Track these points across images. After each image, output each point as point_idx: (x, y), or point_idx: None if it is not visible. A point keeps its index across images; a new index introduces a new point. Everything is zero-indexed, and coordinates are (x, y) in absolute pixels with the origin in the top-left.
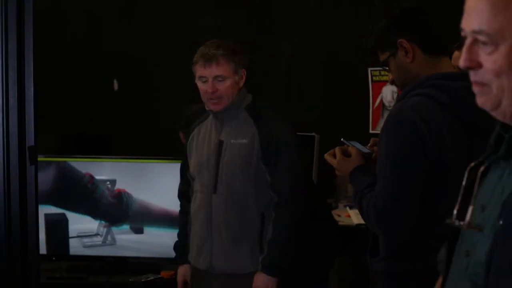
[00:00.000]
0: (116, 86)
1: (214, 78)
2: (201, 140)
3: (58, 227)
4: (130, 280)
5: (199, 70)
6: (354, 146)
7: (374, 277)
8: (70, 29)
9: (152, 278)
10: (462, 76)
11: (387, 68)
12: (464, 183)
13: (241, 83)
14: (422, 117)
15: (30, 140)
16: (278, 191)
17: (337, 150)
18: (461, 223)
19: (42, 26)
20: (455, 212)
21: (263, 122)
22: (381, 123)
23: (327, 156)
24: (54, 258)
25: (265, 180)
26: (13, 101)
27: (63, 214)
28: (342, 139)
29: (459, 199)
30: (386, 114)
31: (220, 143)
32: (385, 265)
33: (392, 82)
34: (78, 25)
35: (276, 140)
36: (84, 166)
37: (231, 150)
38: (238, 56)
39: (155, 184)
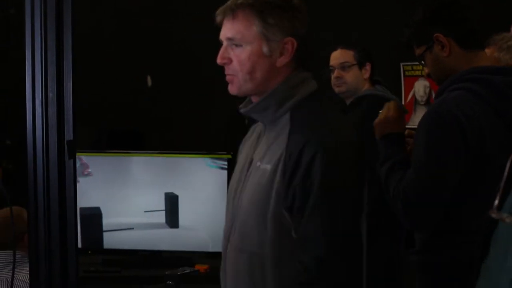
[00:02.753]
0: (149, 82)
1: (228, 40)
2: (244, 151)
3: (92, 221)
4: (166, 273)
5: None
6: None
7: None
8: (104, 25)
9: (188, 271)
10: (501, 70)
11: (423, 62)
12: (505, 174)
13: (283, 61)
14: (463, 111)
15: (68, 135)
16: (302, 259)
17: (392, 105)
18: (503, 215)
19: (78, 22)
20: (496, 203)
21: (296, 131)
22: (413, 118)
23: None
24: (90, 252)
25: (290, 235)
26: (52, 95)
27: (98, 208)
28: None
29: (500, 190)
30: (418, 109)
31: (250, 164)
32: (421, 257)
33: (428, 76)
34: (112, 21)
35: (305, 163)
36: (118, 160)
37: (252, 179)
38: (275, 11)
39: (188, 179)
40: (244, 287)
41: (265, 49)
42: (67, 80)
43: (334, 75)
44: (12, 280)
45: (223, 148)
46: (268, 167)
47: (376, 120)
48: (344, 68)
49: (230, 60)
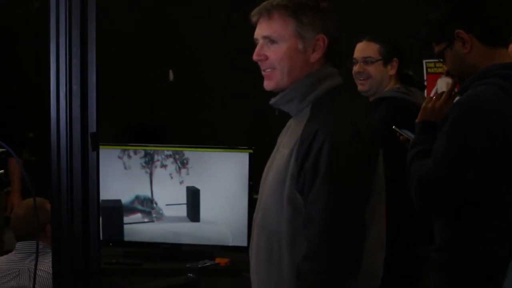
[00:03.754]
0: (171, 77)
1: (264, 38)
2: (278, 142)
3: (113, 213)
4: (187, 265)
5: None
6: (405, 134)
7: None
8: (127, 19)
9: (208, 264)
10: None
11: (441, 59)
12: None
13: (316, 56)
14: (491, 105)
15: (92, 127)
16: (307, 238)
17: (445, 94)
18: None
19: (100, 17)
20: None
21: (312, 120)
22: None
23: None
24: (111, 244)
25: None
26: (76, 88)
27: (119, 201)
28: (393, 127)
29: None
30: None
31: (277, 151)
32: (442, 254)
33: (448, 73)
34: (135, 15)
35: (315, 150)
36: (141, 154)
37: (275, 163)
38: (308, 12)
39: (210, 173)
40: (263, 262)
41: (300, 46)
42: (91, 73)
43: (355, 69)
44: (35, 270)
45: (245, 142)
46: (286, 152)
47: (424, 104)
48: (367, 62)
49: (266, 57)
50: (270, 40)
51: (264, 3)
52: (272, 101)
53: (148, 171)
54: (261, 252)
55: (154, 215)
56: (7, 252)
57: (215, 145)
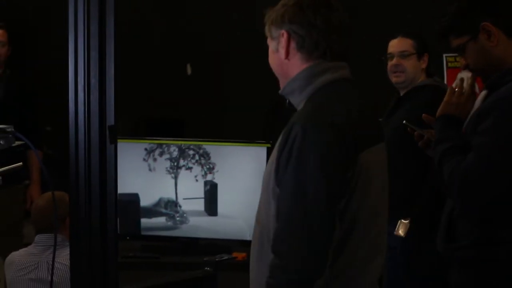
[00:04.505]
0: (189, 71)
1: None
2: None
3: (131, 207)
4: (204, 259)
5: None
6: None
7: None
8: (144, 13)
9: (226, 257)
10: None
11: (461, 52)
12: None
13: (282, 52)
14: None
15: (110, 120)
16: (274, 234)
17: (468, 89)
18: None
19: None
20: None
21: (295, 115)
22: None
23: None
24: (128, 238)
25: None
26: (94, 81)
27: (136, 195)
28: (404, 122)
29: None
30: None
31: None
32: (469, 252)
33: (466, 67)
34: (151, 8)
35: (290, 142)
36: (158, 148)
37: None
38: (270, 12)
39: (228, 168)
40: (256, 255)
41: (273, 46)
42: (109, 65)
43: (392, 63)
44: (53, 262)
45: (263, 137)
46: (276, 148)
47: (447, 98)
48: (404, 56)
49: None
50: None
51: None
52: (280, 91)
53: (173, 176)
54: (255, 247)
55: (178, 218)
56: (26, 245)
57: (233, 139)
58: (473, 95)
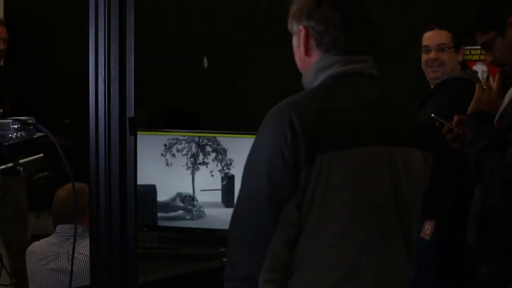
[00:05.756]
0: (206, 64)
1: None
2: None
3: (148, 198)
4: (222, 250)
5: None
6: (445, 123)
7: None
8: (162, 5)
9: None
10: None
11: (488, 48)
12: None
13: (302, 48)
14: None
15: (130, 112)
16: None
17: (496, 86)
18: None
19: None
20: None
21: None
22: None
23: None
24: (145, 229)
25: None
26: (114, 73)
27: (153, 186)
28: (432, 115)
29: None
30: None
31: None
32: (505, 245)
33: (492, 63)
34: (171, 5)
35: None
36: (175, 140)
37: None
38: (291, 8)
39: (244, 159)
40: None
41: (294, 41)
42: (129, 58)
43: (430, 56)
44: (73, 252)
45: None
46: None
47: (477, 95)
48: (442, 50)
49: None
50: None
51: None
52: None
53: (191, 171)
54: None
55: (195, 212)
56: (33, 237)
57: (250, 131)
58: (501, 90)
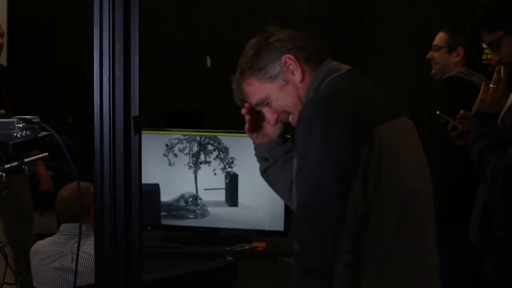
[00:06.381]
0: (209, 63)
1: (260, 106)
2: None
3: (151, 197)
4: (226, 249)
5: None
6: (450, 120)
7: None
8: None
9: (247, 247)
10: None
11: (495, 47)
12: None
13: (300, 74)
14: None
15: (134, 111)
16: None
17: (501, 85)
18: None
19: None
20: None
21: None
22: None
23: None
24: (149, 228)
25: None
26: (119, 72)
27: (157, 185)
28: (437, 112)
29: None
30: None
31: None
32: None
33: (498, 62)
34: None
35: (298, 126)
36: (178, 139)
37: None
38: (257, 58)
39: (248, 158)
40: None
41: (280, 82)
42: (134, 57)
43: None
44: (78, 251)
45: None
46: None
47: (481, 95)
48: (436, 50)
49: (275, 115)
50: (262, 104)
51: (233, 86)
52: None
53: (193, 170)
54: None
55: (198, 211)
56: (37, 235)
57: None
58: (507, 90)
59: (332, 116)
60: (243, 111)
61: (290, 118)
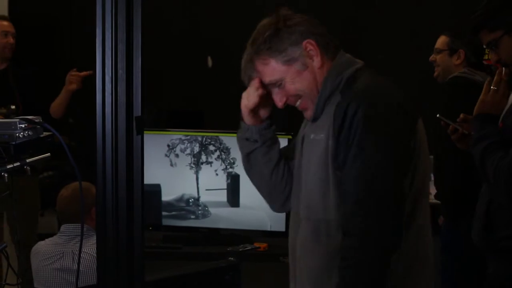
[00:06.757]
0: (210, 63)
1: (272, 85)
2: (299, 133)
3: (153, 197)
4: (228, 249)
5: None
6: (450, 123)
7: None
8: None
9: (249, 248)
10: None
11: (494, 47)
12: None
13: (319, 61)
14: None
15: (137, 111)
16: (345, 215)
17: (502, 86)
18: None
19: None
20: None
21: (342, 100)
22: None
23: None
24: (150, 228)
25: None
26: (121, 72)
27: (158, 185)
28: (438, 115)
29: None
30: None
31: (302, 141)
32: None
33: (498, 62)
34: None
35: (348, 121)
36: (180, 139)
37: (309, 152)
38: (277, 38)
39: None
40: (310, 253)
41: (298, 66)
42: (136, 57)
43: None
44: (80, 252)
45: (284, 128)
46: (322, 136)
47: (482, 97)
48: (437, 53)
49: (286, 97)
50: (275, 84)
51: (242, 65)
52: (310, 120)
53: (195, 171)
54: (308, 243)
55: (200, 212)
56: (40, 236)
57: None
58: (507, 91)
59: (388, 110)
60: (256, 83)
61: (298, 103)
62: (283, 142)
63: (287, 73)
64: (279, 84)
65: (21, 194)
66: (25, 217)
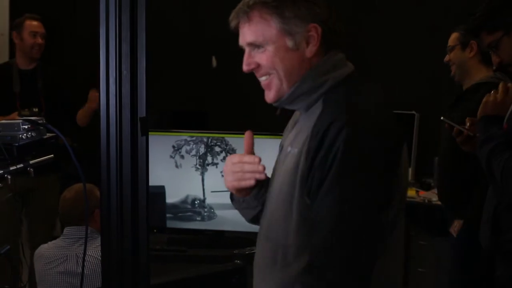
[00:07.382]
0: (215, 63)
1: (249, 45)
2: (283, 139)
3: (157, 199)
4: (234, 252)
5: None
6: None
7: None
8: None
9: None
10: None
11: (494, 49)
12: None
13: (312, 50)
14: None
15: (141, 112)
16: (311, 247)
17: (503, 87)
18: None
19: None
20: None
21: (325, 113)
22: None
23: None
24: (155, 231)
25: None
26: (126, 73)
27: (162, 187)
28: (442, 118)
29: None
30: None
31: (281, 151)
32: None
33: (499, 64)
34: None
35: (327, 144)
36: (186, 140)
37: (282, 165)
38: (290, 3)
39: None
40: (268, 275)
41: (290, 43)
42: (140, 57)
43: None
44: (84, 255)
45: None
46: (296, 150)
47: (484, 98)
48: (450, 51)
49: (257, 64)
50: (256, 46)
51: (240, 4)
52: (277, 104)
53: (200, 172)
54: (264, 263)
55: (205, 213)
56: (54, 238)
57: (258, 132)
58: (509, 92)
59: (375, 137)
60: (260, 168)
61: (264, 78)
62: None
63: (275, 42)
64: (259, 47)
65: (41, 195)
66: (44, 218)
